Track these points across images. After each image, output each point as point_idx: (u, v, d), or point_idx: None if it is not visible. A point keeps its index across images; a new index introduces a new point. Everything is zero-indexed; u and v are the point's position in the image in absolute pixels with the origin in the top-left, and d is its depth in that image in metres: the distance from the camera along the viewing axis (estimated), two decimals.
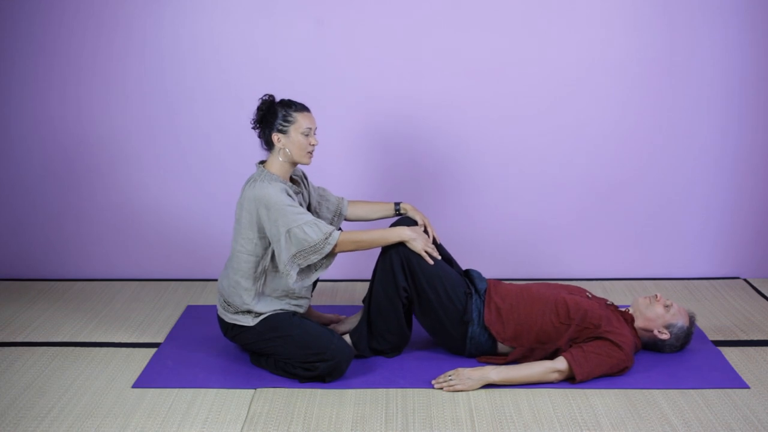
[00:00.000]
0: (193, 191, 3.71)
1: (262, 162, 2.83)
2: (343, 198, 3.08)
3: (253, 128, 2.82)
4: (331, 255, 2.73)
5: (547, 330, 2.79)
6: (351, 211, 3.07)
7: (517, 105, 3.58)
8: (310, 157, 2.79)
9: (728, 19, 3.47)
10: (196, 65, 3.56)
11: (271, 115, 2.75)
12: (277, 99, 2.81)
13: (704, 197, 3.70)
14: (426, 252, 2.80)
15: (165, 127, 3.64)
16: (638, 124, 3.61)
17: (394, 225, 2.91)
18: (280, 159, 2.77)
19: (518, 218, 3.72)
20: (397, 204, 3.06)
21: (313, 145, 2.78)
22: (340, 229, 3.01)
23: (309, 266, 2.73)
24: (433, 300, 2.81)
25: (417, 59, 3.54)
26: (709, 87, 3.55)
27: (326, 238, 2.67)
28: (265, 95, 2.80)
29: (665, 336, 2.86)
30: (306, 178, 2.99)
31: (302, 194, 2.90)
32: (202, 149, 3.66)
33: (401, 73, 3.55)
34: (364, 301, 2.95)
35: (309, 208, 2.96)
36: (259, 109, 2.79)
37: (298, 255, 2.68)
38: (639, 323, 2.89)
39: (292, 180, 2.88)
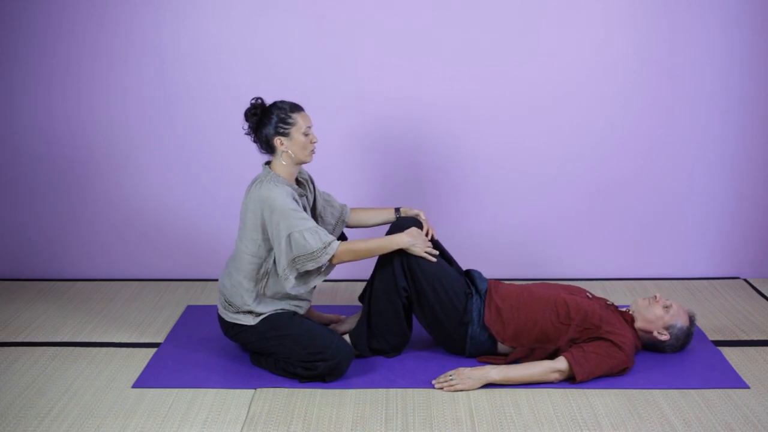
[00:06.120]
0: (193, 191, 3.71)
1: (268, 163, 2.81)
2: (345, 205, 3.08)
3: (246, 134, 2.80)
4: (329, 264, 2.73)
5: (547, 330, 2.79)
6: (352, 217, 3.07)
7: (516, 105, 3.58)
8: (312, 155, 2.80)
9: (728, 19, 3.47)
10: (196, 65, 3.56)
11: (267, 119, 2.73)
12: (268, 100, 2.78)
13: (704, 197, 3.70)
14: (426, 252, 2.81)
15: (165, 127, 3.64)
16: (638, 124, 3.61)
17: (391, 229, 2.91)
18: (284, 162, 2.76)
19: (518, 218, 3.72)
20: (397, 209, 3.05)
21: (314, 142, 2.78)
22: (344, 236, 3.01)
23: (308, 272, 2.73)
24: (432, 300, 2.81)
25: (417, 59, 3.54)
26: (709, 87, 3.55)
27: (325, 248, 2.67)
28: (253, 99, 2.77)
29: (665, 337, 2.86)
30: (312, 182, 2.98)
31: (306, 197, 2.89)
32: (202, 149, 3.65)
33: (401, 74, 3.55)
34: (360, 299, 2.95)
35: (314, 211, 2.96)
36: (252, 114, 2.76)
37: (296, 260, 2.68)
38: (639, 324, 2.89)
39: (297, 182, 2.87)
